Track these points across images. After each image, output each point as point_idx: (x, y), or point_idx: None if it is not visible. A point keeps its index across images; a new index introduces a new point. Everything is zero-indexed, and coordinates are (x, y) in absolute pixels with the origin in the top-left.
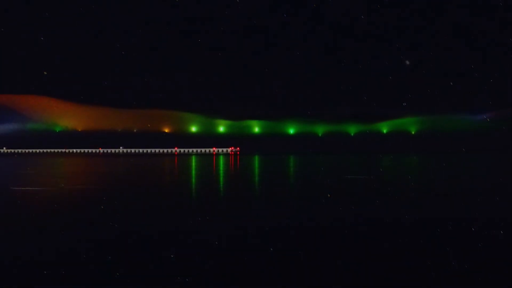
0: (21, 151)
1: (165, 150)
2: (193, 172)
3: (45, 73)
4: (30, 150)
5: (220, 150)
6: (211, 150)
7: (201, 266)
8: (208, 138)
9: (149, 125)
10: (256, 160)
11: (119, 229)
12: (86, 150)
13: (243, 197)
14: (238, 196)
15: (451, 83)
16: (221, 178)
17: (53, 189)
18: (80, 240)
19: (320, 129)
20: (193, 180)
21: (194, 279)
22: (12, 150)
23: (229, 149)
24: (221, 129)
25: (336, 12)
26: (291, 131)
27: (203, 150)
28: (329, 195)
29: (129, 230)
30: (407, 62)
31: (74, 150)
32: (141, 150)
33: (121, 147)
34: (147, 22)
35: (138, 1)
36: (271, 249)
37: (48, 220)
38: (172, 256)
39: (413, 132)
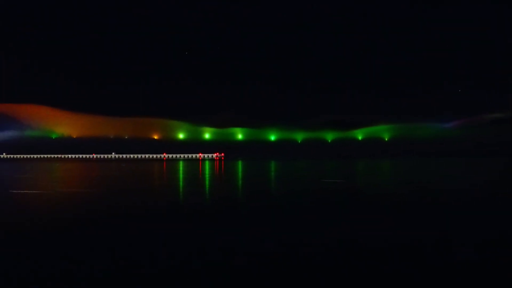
0: (20, 156)
1: (155, 156)
2: (180, 176)
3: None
4: (29, 156)
5: (205, 155)
6: (197, 155)
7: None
8: (194, 144)
9: (139, 133)
10: (239, 165)
11: (109, 228)
12: (80, 156)
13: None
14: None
15: (422, 94)
16: (207, 182)
17: (50, 192)
18: (75, 239)
19: (299, 136)
20: (180, 183)
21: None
22: (12, 156)
23: (214, 155)
24: (207, 136)
25: (317, 23)
26: (272, 137)
27: (190, 155)
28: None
29: (118, 229)
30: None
31: (69, 155)
32: (132, 155)
33: (113, 153)
34: (138, 35)
35: (126, 12)
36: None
37: (45, 221)
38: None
39: (386, 139)
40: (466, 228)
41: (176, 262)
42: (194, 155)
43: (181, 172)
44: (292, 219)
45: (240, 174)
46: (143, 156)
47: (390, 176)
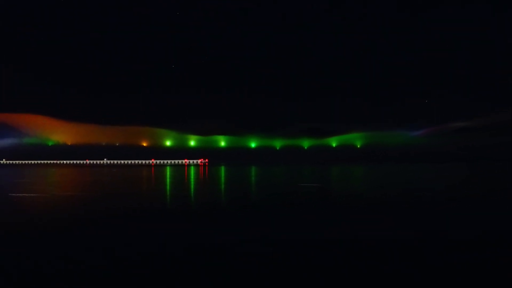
0: (19, 162)
1: (144, 162)
2: (167, 180)
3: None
4: (27, 162)
5: (191, 161)
6: (183, 161)
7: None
8: (180, 151)
9: (129, 140)
10: (222, 170)
11: (99, 228)
12: (74, 162)
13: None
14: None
15: (392, 104)
16: (192, 186)
17: (47, 195)
18: (70, 238)
19: (278, 143)
20: (167, 187)
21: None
22: (11, 161)
23: (199, 161)
24: (192, 143)
25: (295, 35)
26: (253, 145)
27: (176, 161)
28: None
29: (106, 229)
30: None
31: (64, 161)
32: (122, 161)
33: (105, 159)
34: (126, 50)
35: (114, 22)
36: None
37: (42, 221)
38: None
39: (358, 146)
40: (429, 227)
41: (165, 258)
42: (180, 161)
43: (168, 176)
44: (270, 219)
45: (222, 178)
46: (133, 162)
47: (361, 180)
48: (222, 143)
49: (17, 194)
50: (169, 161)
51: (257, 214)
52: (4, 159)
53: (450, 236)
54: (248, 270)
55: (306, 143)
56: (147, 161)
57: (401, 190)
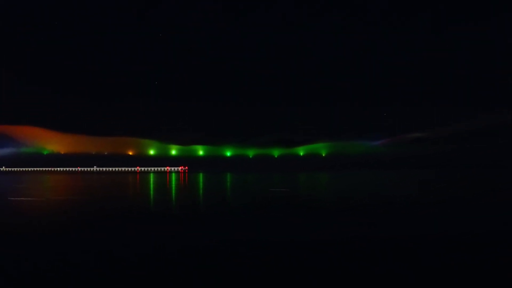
0: (17, 169)
1: (130, 169)
2: (151, 186)
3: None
4: (24, 169)
5: (172, 168)
6: (165, 168)
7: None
8: (163, 159)
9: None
10: (200, 176)
11: (89, 228)
12: (67, 169)
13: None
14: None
15: (353, 115)
16: (174, 191)
17: (43, 199)
18: (65, 237)
19: (250, 152)
20: (151, 192)
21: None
22: (10, 169)
23: (179, 168)
24: (173, 152)
25: (266, 49)
26: (228, 153)
27: (159, 168)
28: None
29: (94, 229)
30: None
31: (58, 169)
32: (110, 168)
33: (95, 166)
34: (115, 63)
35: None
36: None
37: (38, 222)
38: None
39: (323, 155)
40: (384, 227)
41: (159, 258)
42: (162, 168)
43: (151, 182)
44: (246, 222)
45: (201, 184)
46: (120, 169)
47: (326, 185)
48: (201, 152)
49: (16, 198)
50: (152, 169)
51: (235, 216)
52: (3, 167)
53: (406, 235)
54: (232, 266)
55: (276, 152)
56: (133, 169)
57: (357, 194)
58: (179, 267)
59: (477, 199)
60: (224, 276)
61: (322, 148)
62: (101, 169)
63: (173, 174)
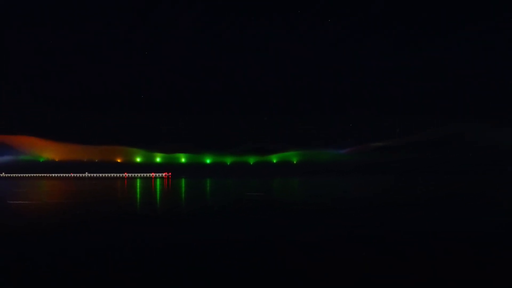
0: (15, 175)
1: (118, 175)
2: (138, 190)
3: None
4: (22, 175)
5: (157, 174)
6: (151, 174)
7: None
8: (148, 166)
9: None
10: (182, 181)
11: (80, 227)
12: (61, 175)
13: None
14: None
15: (322, 124)
16: (158, 194)
17: (40, 203)
18: (61, 236)
19: (228, 160)
20: (138, 195)
21: None
22: (9, 175)
23: (163, 174)
24: (158, 159)
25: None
26: (208, 161)
27: (145, 174)
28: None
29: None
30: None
31: (53, 174)
32: (101, 174)
33: (86, 173)
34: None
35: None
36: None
37: (36, 223)
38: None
39: (294, 162)
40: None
41: (152, 258)
42: (148, 174)
43: (138, 187)
44: (226, 222)
45: (183, 188)
46: (109, 175)
47: (297, 190)
48: (183, 160)
49: (15, 202)
50: (139, 174)
51: (215, 217)
52: (3, 173)
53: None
54: (216, 264)
55: (251, 160)
56: (121, 174)
57: (320, 198)
58: (164, 265)
59: (427, 202)
60: (202, 272)
61: (293, 156)
62: (92, 175)
63: (158, 180)
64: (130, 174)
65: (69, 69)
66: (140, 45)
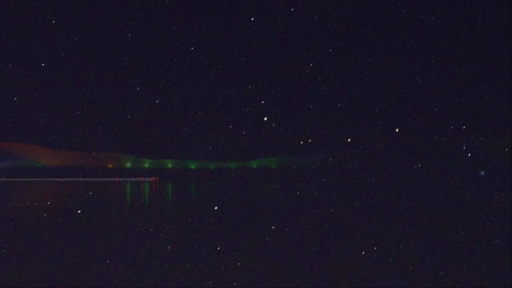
0: (14, 180)
1: (109, 179)
2: (128, 193)
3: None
4: (21, 179)
5: (145, 179)
6: (139, 179)
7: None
8: (137, 171)
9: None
10: (169, 185)
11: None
12: (57, 179)
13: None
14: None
15: (297, 131)
16: (147, 197)
17: (37, 205)
18: (57, 236)
19: (212, 165)
20: (127, 198)
21: None
22: (8, 179)
23: (152, 179)
24: (146, 165)
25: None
26: (192, 166)
27: (134, 179)
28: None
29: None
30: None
31: (49, 179)
32: (93, 179)
33: (80, 177)
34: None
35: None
36: None
37: (36, 223)
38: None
39: (273, 167)
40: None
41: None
42: (137, 179)
43: (128, 191)
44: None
45: (170, 191)
46: (101, 179)
47: (275, 192)
48: (169, 165)
49: (14, 204)
50: (128, 179)
51: (201, 218)
52: (3, 177)
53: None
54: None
55: (233, 165)
56: (112, 179)
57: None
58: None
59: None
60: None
61: (271, 162)
62: (85, 179)
63: (146, 183)
64: (120, 179)
65: (63, 82)
66: (131, 52)
